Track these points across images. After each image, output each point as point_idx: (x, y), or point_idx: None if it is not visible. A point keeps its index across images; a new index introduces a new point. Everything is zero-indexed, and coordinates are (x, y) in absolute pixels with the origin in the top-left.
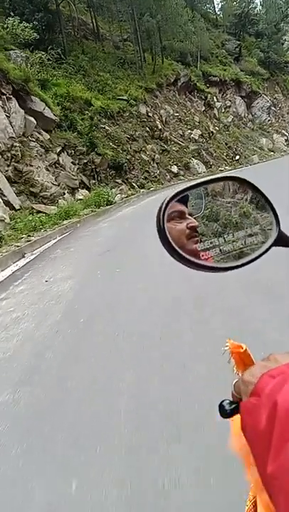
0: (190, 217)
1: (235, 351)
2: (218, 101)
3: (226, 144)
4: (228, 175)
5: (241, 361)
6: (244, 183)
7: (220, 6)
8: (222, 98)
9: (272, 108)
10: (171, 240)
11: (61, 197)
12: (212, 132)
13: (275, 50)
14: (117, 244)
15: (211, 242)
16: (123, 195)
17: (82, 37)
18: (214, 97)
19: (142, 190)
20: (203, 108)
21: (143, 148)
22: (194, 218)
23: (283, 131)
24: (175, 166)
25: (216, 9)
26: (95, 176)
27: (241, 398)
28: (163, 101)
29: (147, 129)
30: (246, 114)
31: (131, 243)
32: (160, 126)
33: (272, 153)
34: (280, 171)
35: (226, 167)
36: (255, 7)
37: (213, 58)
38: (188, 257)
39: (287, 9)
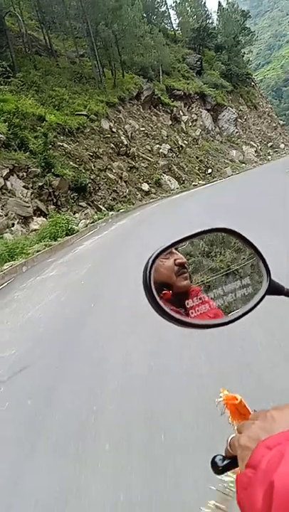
0: (177, 252)
1: (230, 403)
2: (184, 114)
3: (197, 157)
4: (215, 227)
5: (237, 412)
6: (232, 234)
7: (177, 22)
8: (188, 112)
9: (239, 120)
10: (158, 300)
11: (8, 229)
12: (181, 146)
13: (235, 63)
14: (48, 342)
15: (200, 298)
16: (88, 221)
17: (35, 53)
18: (180, 111)
19: (110, 212)
20: (170, 122)
21: (109, 166)
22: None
23: (252, 142)
24: (146, 184)
25: (174, 25)
26: (54, 201)
27: (235, 456)
28: (127, 115)
29: (112, 145)
30: (213, 127)
31: (79, 332)
32: (126, 142)
33: (243, 164)
34: (256, 182)
35: (200, 181)
36: (212, 22)
37: (175, 72)
38: (177, 316)
39: (244, 22)
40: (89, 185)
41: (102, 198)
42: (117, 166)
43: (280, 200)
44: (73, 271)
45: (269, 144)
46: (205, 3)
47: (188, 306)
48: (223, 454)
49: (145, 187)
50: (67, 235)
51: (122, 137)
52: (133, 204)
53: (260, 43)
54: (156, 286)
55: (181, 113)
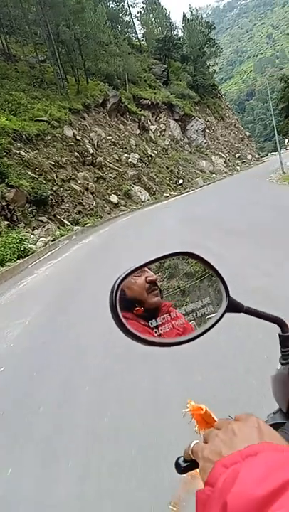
0: (149, 270)
1: (196, 413)
2: (152, 124)
3: (167, 167)
4: (176, 251)
5: (203, 421)
6: (194, 257)
7: (142, 32)
8: (156, 122)
9: (207, 130)
10: (123, 320)
11: None
12: (151, 156)
13: (202, 74)
14: None
15: (163, 318)
16: (49, 238)
17: None
18: (148, 120)
19: (75, 227)
20: (138, 131)
21: (73, 177)
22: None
23: (220, 153)
24: (114, 195)
25: (139, 35)
26: (8, 216)
27: (196, 460)
28: (92, 123)
29: (76, 154)
30: (182, 138)
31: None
32: (92, 151)
33: (214, 175)
34: (230, 193)
35: (171, 192)
36: (177, 34)
37: (142, 82)
38: (141, 335)
39: (209, 33)
40: (50, 197)
41: (65, 212)
42: (83, 177)
43: (258, 210)
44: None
45: (237, 155)
46: (169, 14)
47: (159, 322)
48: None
49: (114, 199)
50: (19, 257)
51: (88, 146)
52: (101, 217)
53: (222, 58)
54: (129, 303)
55: (149, 122)
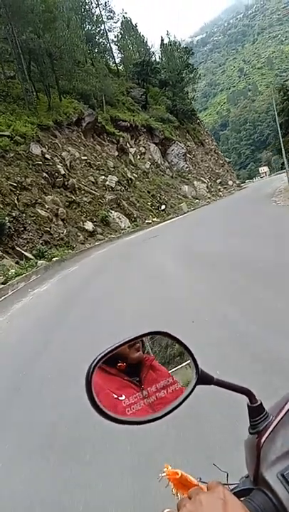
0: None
1: (172, 477)
2: (131, 147)
3: (149, 192)
4: (151, 331)
5: (180, 484)
6: (166, 335)
7: (119, 57)
8: (135, 144)
9: (188, 155)
10: (95, 397)
11: None
12: (131, 179)
13: (181, 99)
14: None
15: (134, 397)
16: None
17: None
18: (127, 143)
19: (39, 261)
20: (117, 153)
21: (39, 200)
22: None
23: (202, 178)
24: (89, 222)
25: (116, 60)
26: None
27: None
28: (65, 142)
29: (45, 174)
30: (163, 161)
31: None
32: (63, 172)
33: (197, 200)
34: (220, 220)
35: (154, 219)
36: (155, 60)
37: (120, 105)
38: (112, 414)
39: (187, 59)
40: (8, 224)
41: (28, 242)
42: (52, 201)
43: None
44: None
45: (218, 181)
46: (147, 41)
47: (131, 401)
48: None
49: (89, 226)
50: None
51: (59, 166)
52: (73, 248)
53: (197, 90)
54: (112, 359)
55: (128, 145)
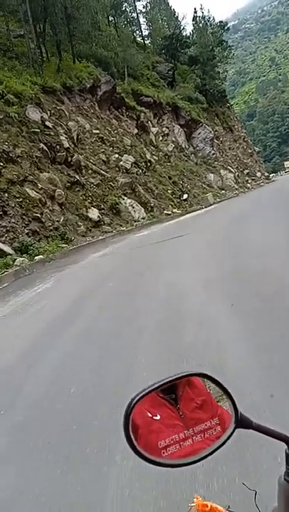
0: None
1: (202, 509)
2: (153, 126)
3: (170, 178)
4: (190, 372)
5: None
6: (205, 377)
7: (147, 30)
8: (158, 124)
9: (215, 141)
10: (134, 441)
11: None
12: (150, 161)
13: (211, 78)
14: None
15: (171, 439)
16: None
17: None
18: (149, 121)
19: (20, 258)
20: (136, 131)
21: (30, 178)
22: None
23: (229, 167)
24: (95, 209)
25: (144, 33)
26: None
27: None
28: (74, 111)
29: (42, 146)
30: (187, 146)
31: None
32: (67, 145)
33: (223, 191)
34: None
35: (174, 209)
36: (186, 34)
37: (144, 79)
38: (149, 456)
39: (221, 35)
40: None
41: (9, 231)
42: (48, 179)
43: None
44: None
45: (245, 171)
46: (177, 16)
47: (168, 443)
48: None
49: (94, 214)
50: None
51: (62, 137)
52: (70, 242)
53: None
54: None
55: (150, 123)
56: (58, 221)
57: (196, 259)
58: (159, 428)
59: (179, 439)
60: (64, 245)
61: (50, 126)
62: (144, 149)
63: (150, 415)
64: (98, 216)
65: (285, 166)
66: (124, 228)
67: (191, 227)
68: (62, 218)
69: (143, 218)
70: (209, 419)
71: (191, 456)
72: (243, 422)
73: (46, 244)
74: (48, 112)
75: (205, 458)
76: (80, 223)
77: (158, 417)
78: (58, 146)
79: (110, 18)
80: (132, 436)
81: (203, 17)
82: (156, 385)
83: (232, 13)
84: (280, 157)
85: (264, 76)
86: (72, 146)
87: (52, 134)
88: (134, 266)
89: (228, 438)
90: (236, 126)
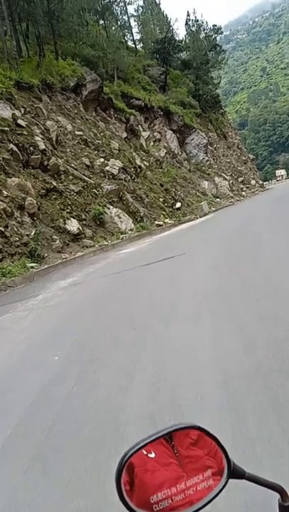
0: None
1: None
2: (144, 130)
3: (162, 185)
4: (183, 425)
5: None
6: (198, 429)
7: (138, 33)
8: (149, 128)
9: (209, 147)
10: (125, 494)
11: None
12: (140, 167)
13: (204, 83)
14: None
15: (163, 494)
16: None
17: None
18: (140, 125)
19: None
20: (125, 134)
21: None
22: None
23: (224, 174)
24: (74, 220)
25: (136, 37)
26: None
27: None
28: (55, 110)
29: (12, 147)
30: (180, 152)
31: None
32: (44, 147)
33: (218, 199)
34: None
35: (166, 219)
36: (178, 38)
37: (135, 82)
38: (139, 511)
39: (215, 39)
40: None
41: None
42: (17, 185)
43: None
44: None
45: (240, 179)
46: (170, 21)
47: (160, 498)
48: None
49: (73, 226)
50: None
51: (38, 137)
52: (42, 259)
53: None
54: None
55: (141, 127)
56: (27, 235)
57: (199, 299)
58: (153, 466)
59: (172, 493)
60: (33, 265)
61: (24, 125)
62: (134, 154)
63: (145, 453)
64: (78, 228)
65: (277, 175)
66: (109, 242)
67: (187, 244)
68: (34, 231)
69: (131, 230)
70: (205, 455)
71: (182, 509)
72: (235, 473)
73: (9, 265)
74: (22, 110)
75: (202, 507)
76: (55, 237)
77: (153, 455)
78: (31, 148)
79: (101, 22)
80: (124, 492)
81: (196, 20)
82: (149, 440)
83: (224, 24)
84: (271, 166)
85: (255, 86)
86: (50, 148)
87: (25, 133)
88: (106, 310)
89: (221, 490)
90: (230, 133)
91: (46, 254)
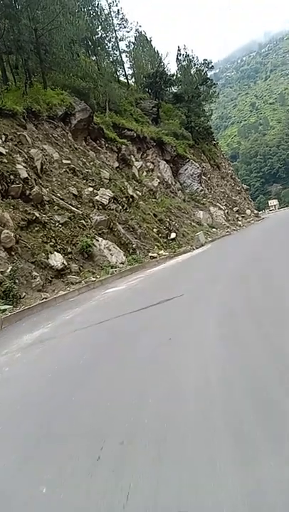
0: None
1: None
2: (137, 160)
3: (155, 215)
4: None
5: None
6: None
7: (131, 68)
8: (142, 159)
9: (203, 177)
10: None
11: None
12: (132, 197)
13: (196, 116)
14: None
15: None
16: None
17: None
18: (132, 155)
19: None
20: (117, 164)
21: None
22: None
23: (218, 204)
24: (59, 254)
25: (128, 72)
26: None
27: None
28: (41, 138)
29: None
30: (174, 182)
31: None
32: (25, 175)
33: (214, 229)
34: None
35: (161, 251)
36: (170, 71)
37: (127, 115)
38: None
39: (206, 73)
40: None
41: None
42: None
43: None
44: None
45: (235, 209)
46: (161, 57)
47: None
48: None
49: (57, 260)
50: None
51: (20, 166)
52: (19, 300)
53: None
54: None
55: (133, 157)
56: (1, 272)
57: (203, 368)
58: None
59: None
60: (6, 307)
61: (4, 153)
62: (126, 184)
63: None
64: (63, 263)
65: (270, 205)
66: (97, 277)
67: (184, 281)
68: (10, 268)
69: (122, 263)
70: None
71: None
72: None
73: None
74: (3, 137)
75: None
76: (35, 273)
77: None
78: (11, 176)
79: (93, 58)
80: None
81: (187, 55)
82: None
83: (213, 63)
84: (264, 196)
85: (245, 120)
86: (34, 176)
87: (5, 161)
88: (65, 411)
89: None
90: (223, 164)
91: (24, 294)
